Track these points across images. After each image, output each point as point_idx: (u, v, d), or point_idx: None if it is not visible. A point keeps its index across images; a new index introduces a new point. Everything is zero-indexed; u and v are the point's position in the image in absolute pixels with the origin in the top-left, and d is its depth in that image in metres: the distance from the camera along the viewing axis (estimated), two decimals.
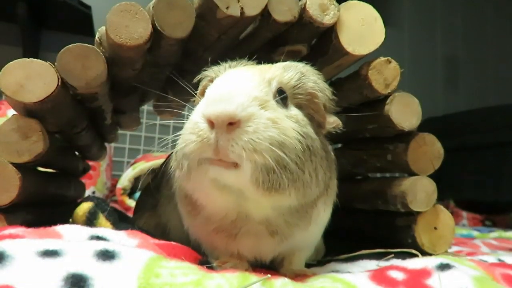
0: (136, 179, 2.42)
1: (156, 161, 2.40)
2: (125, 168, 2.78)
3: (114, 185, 2.57)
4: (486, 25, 4.35)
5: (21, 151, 0.78)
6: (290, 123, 0.67)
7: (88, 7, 2.52)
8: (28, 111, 0.80)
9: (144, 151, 3.00)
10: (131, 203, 2.33)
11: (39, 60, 0.79)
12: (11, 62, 0.78)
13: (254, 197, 0.66)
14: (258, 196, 0.65)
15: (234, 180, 0.63)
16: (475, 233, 2.07)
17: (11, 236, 0.62)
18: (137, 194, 2.40)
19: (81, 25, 2.55)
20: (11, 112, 2.18)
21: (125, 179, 2.43)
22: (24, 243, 0.56)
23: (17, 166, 0.78)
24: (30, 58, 0.78)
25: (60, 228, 0.71)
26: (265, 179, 0.62)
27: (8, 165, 0.77)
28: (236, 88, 0.64)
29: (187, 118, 0.71)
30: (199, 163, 0.64)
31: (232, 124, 0.60)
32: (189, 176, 0.66)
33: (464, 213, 2.98)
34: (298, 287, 0.60)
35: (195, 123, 0.64)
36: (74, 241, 0.63)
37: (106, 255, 0.56)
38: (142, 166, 2.44)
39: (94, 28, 2.62)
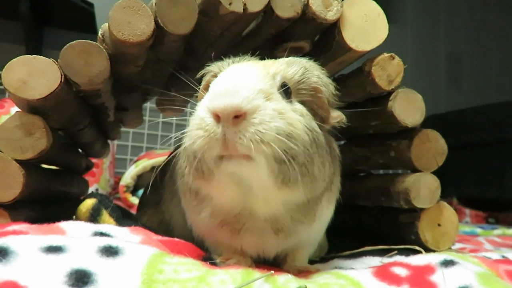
0: (139, 177, 2.42)
1: (159, 158, 2.41)
2: (128, 165, 2.79)
3: (117, 183, 2.58)
4: (490, 21, 4.32)
5: (25, 148, 0.78)
6: (296, 115, 0.67)
7: (91, 5, 2.52)
8: (31, 107, 0.80)
9: (147, 148, 3.01)
10: (134, 200, 2.34)
11: (42, 57, 0.79)
12: (15, 59, 0.78)
13: (265, 192, 0.66)
14: (271, 190, 0.65)
15: (252, 173, 0.63)
16: (478, 230, 2.06)
17: (15, 232, 0.62)
18: (140, 191, 2.40)
19: (84, 23, 2.55)
20: (14, 110, 2.19)
21: (128, 176, 2.43)
22: (27, 239, 0.57)
23: (20, 162, 0.78)
24: (33, 55, 0.79)
25: (63, 224, 0.72)
26: (279, 171, 0.62)
27: (11, 161, 0.78)
28: (241, 81, 0.63)
29: (190, 114, 0.70)
30: (216, 163, 0.63)
31: (238, 117, 0.60)
32: (212, 177, 0.65)
33: (467, 211, 2.97)
34: (302, 283, 0.60)
35: (202, 118, 0.64)
36: (77, 237, 0.63)
37: (110, 251, 0.57)
38: (145, 163, 2.45)
39: (97, 25, 2.62)
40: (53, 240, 0.57)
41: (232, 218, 0.72)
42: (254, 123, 0.61)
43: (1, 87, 2.48)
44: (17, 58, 0.78)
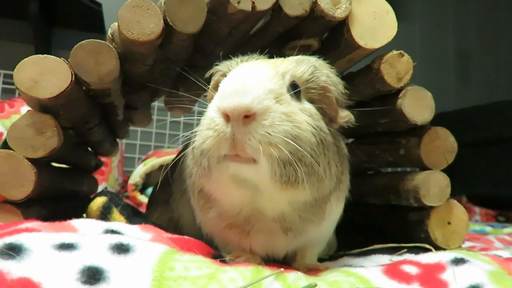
0: (148, 175, 2.44)
1: (167, 157, 2.42)
2: (136, 164, 2.81)
3: (125, 181, 2.59)
4: (499, 18, 4.27)
5: (36, 147, 0.79)
6: (304, 116, 0.67)
7: (99, 4, 2.53)
8: (43, 106, 0.81)
9: (155, 147, 3.02)
10: (143, 198, 2.35)
11: (53, 56, 0.79)
12: (26, 59, 0.79)
13: (270, 193, 0.66)
14: (275, 191, 0.65)
15: (253, 174, 0.64)
16: (488, 228, 2.04)
17: (27, 230, 0.63)
18: (149, 190, 2.42)
19: (92, 23, 2.57)
20: (24, 109, 2.21)
21: (137, 175, 2.45)
22: (40, 237, 0.57)
23: (32, 161, 0.79)
24: (44, 55, 0.79)
25: (75, 222, 0.72)
26: (282, 173, 0.63)
27: (23, 160, 0.79)
28: (251, 81, 0.64)
29: (198, 113, 0.71)
30: (218, 161, 0.64)
31: (247, 117, 0.60)
32: (210, 174, 0.66)
33: (477, 209, 2.94)
34: (311, 281, 0.60)
35: (211, 118, 0.64)
36: (89, 234, 0.63)
37: (121, 249, 0.57)
38: (153, 162, 2.46)
39: (105, 25, 2.64)
40: (65, 237, 0.58)
41: (242, 221, 0.72)
42: (264, 125, 0.61)
43: (11, 86, 2.52)
44: (28, 57, 0.79)
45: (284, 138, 0.61)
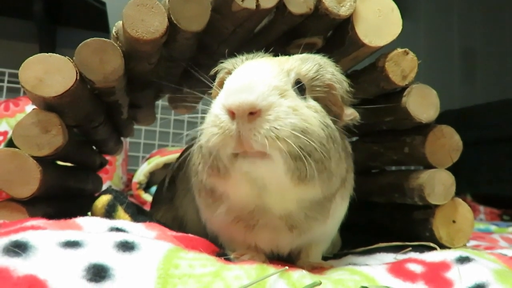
0: (152, 174, 2.44)
1: (171, 156, 2.42)
2: (140, 162, 2.81)
3: (130, 180, 2.60)
4: (504, 15, 4.25)
5: (41, 145, 0.80)
6: (311, 111, 0.66)
7: (103, 3, 2.54)
8: (48, 105, 0.81)
9: (159, 145, 3.03)
10: (147, 197, 2.36)
11: (57, 55, 0.80)
12: (31, 57, 0.79)
13: (282, 190, 0.66)
14: (287, 188, 0.65)
15: (267, 171, 0.63)
16: (493, 227, 2.03)
17: (33, 228, 0.63)
18: (153, 188, 2.42)
19: (96, 21, 2.58)
20: (29, 108, 2.22)
21: (141, 173, 2.45)
22: (46, 234, 0.57)
23: (37, 159, 0.80)
24: (49, 53, 0.80)
25: (80, 220, 0.72)
26: (295, 168, 0.62)
27: (29, 158, 0.79)
28: (255, 78, 0.63)
29: (202, 112, 0.71)
30: (231, 161, 0.64)
31: (253, 114, 0.60)
32: (226, 173, 0.65)
33: (482, 208, 2.93)
34: (316, 279, 0.60)
35: (216, 115, 0.64)
36: (94, 232, 0.63)
37: (126, 246, 0.57)
38: (157, 160, 2.46)
39: (109, 24, 2.65)
40: (71, 235, 0.58)
41: (246, 215, 0.72)
42: (269, 120, 0.61)
43: (16, 85, 2.53)
44: (33, 56, 0.79)
45: (292, 131, 0.61)
